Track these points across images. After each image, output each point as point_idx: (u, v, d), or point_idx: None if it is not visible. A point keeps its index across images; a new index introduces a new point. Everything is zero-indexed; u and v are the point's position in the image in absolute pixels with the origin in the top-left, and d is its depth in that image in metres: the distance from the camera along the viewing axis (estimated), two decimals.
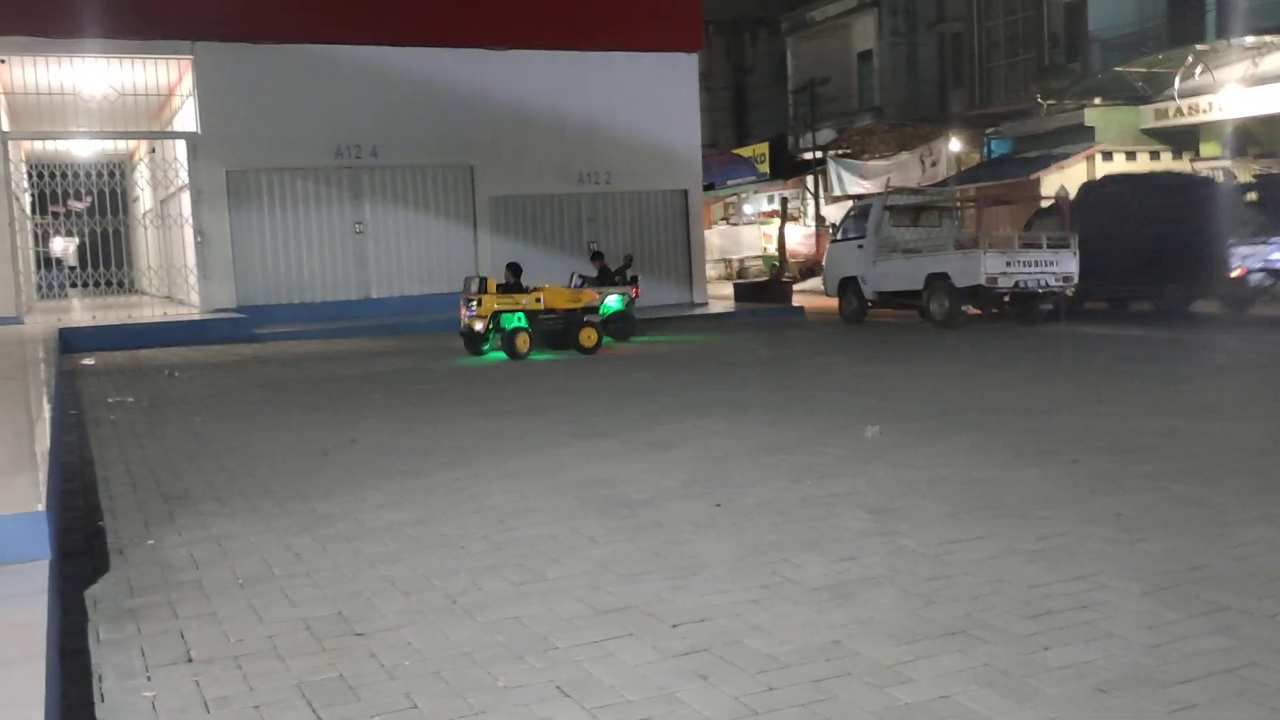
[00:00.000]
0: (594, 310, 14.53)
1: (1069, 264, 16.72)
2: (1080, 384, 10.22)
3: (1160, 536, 4.93)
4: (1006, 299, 16.85)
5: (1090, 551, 4.73)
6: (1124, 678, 3.43)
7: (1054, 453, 6.86)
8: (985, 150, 31.32)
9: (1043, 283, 16.54)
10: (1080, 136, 27.67)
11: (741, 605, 4.17)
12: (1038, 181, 27.06)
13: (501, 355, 13.70)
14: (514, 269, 14.50)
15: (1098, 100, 27.97)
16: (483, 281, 13.80)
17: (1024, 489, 5.93)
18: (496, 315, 13.65)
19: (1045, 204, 21.20)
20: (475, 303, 13.53)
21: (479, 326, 13.50)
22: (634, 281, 15.92)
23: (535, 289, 14.20)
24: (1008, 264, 16.35)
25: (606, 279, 15.73)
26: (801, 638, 3.83)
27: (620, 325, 15.42)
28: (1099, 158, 27.96)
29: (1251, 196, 17.63)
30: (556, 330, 14.22)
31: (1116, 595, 4.16)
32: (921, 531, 5.11)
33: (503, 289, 14.03)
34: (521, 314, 13.77)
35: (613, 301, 14.99)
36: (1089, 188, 19.90)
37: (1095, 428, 7.73)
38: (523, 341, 13.55)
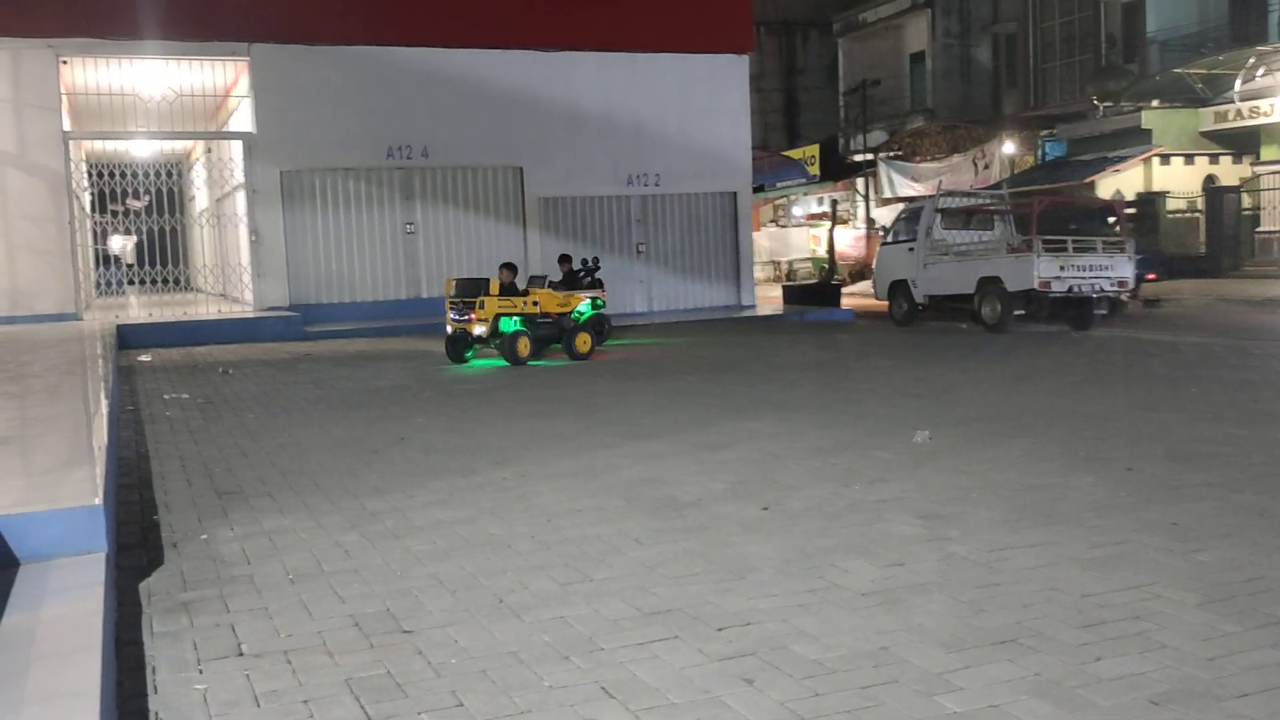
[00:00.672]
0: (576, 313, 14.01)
1: (1124, 268, 16.48)
2: (1136, 390, 10.06)
3: (1217, 546, 4.83)
4: (1060, 304, 16.61)
5: (1145, 561, 4.65)
6: (1178, 690, 3.37)
7: (1108, 460, 6.76)
8: (1039, 153, 30.98)
9: (1097, 287, 16.30)
10: (1137, 139, 27.28)
11: (788, 609, 4.14)
12: (1093, 185, 26.71)
13: (486, 362, 13.15)
14: (511, 269, 13.94)
15: (1156, 102, 27.56)
16: (485, 283, 13.33)
17: (1077, 496, 5.84)
18: (494, 319, 13.11)
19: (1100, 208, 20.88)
20: (478, 305, 12.93)
21: (480, 330, 12.94)
22: (600, 285, 14.95)
23: (527, 291, 13.68)
24: (1061, 268, 16.14)
25: (572, 282, 14.82)
26: (849, 643, 3.80)
27: (594, 330, 14.56)
28: (1156, 161, 27.54)
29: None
30: (546, 335, 13.65)
31: (1171, 606, 4.09)
32: (972, 538, 5.05)
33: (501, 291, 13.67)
34: (520, 317, 13.22)
35: (583, 306, 14.15)
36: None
37: (1151, 434, 7.61)
38: (524, 346, 12.96)
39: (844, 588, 4.39)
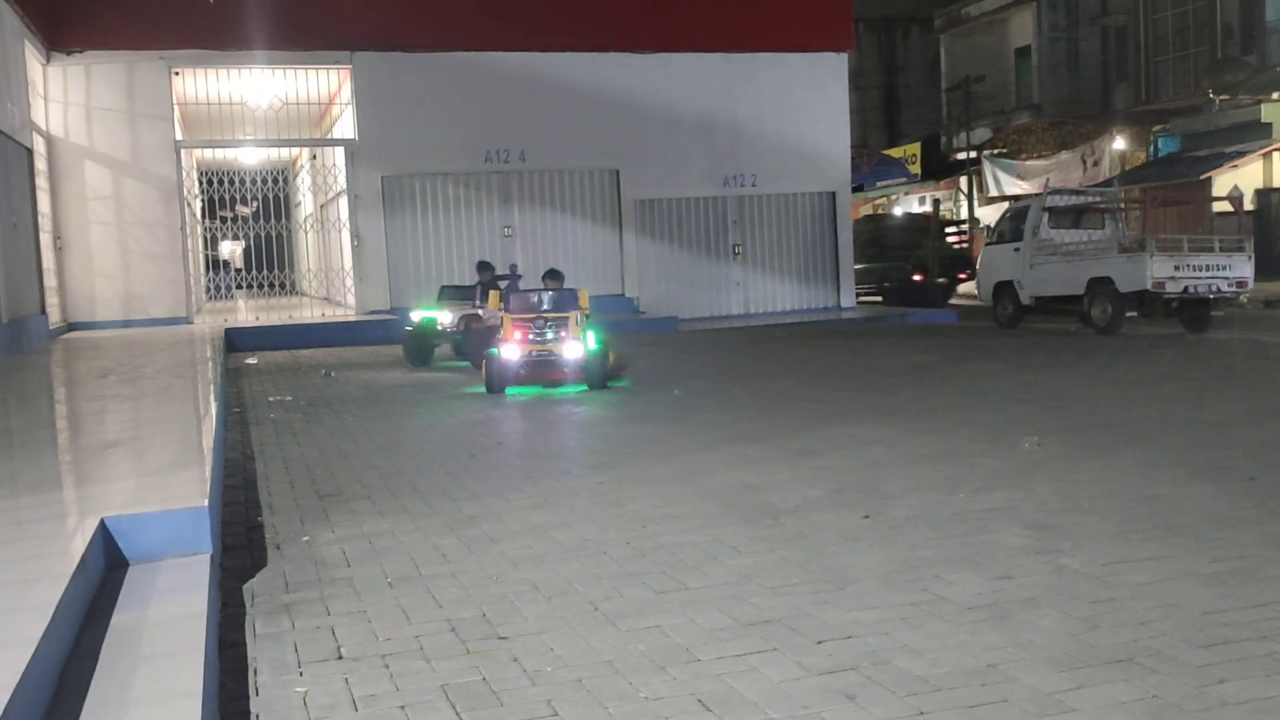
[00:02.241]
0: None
1: (1243, 268, 15.83)
2: (1257, 395, 9.62)
3: None
4: (1175, 305, 16.04)
5: (1270, 577, 4.41)
6: None
7: (1229, 469, 6.45)
8: (1152, 149, 30.01)
9: (1214, 288, 15.69)
10: (1256, 133, 26.22)
11: (890, 623, 4.01)
12: (1209, 181, 25.76)
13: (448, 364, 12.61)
14: (486, 268, 13.36)
15: (1276, 95, 26.47)
16: (472, 290, 13.16)
17: (1196, 507, 5.58)
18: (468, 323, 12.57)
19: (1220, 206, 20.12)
20: (572, 322, 10.97)
21: (573, 357, 10.89)
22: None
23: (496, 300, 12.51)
24: (1176, 268, 15.57)
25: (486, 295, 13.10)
26: (955, 660, 3.66)
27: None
28: (1277, 156, 26.46)
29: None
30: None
31: None
32: (1084, 550, 4.84)
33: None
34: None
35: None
36: (859, 223, 25.68)
37: (1275, 442, 7.25)
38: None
39: (949, 601, 4.24)
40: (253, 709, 3.50)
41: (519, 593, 4.52)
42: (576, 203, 20.43)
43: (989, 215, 30.40)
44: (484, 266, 14.20)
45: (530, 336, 10.76)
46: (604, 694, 3.48)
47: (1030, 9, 34.94)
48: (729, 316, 20.79)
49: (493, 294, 11.74)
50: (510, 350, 10.67)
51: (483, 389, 10.89)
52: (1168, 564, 4.62)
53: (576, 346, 10.70)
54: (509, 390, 10.75)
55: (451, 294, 14.22)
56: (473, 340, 12.42)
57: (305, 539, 5.50)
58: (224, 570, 4.92)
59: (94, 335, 16.51)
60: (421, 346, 13.24)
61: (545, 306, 11.12)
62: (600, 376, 10.73)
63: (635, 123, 20.35)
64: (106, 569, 4.33)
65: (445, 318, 13.28)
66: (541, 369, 10.95)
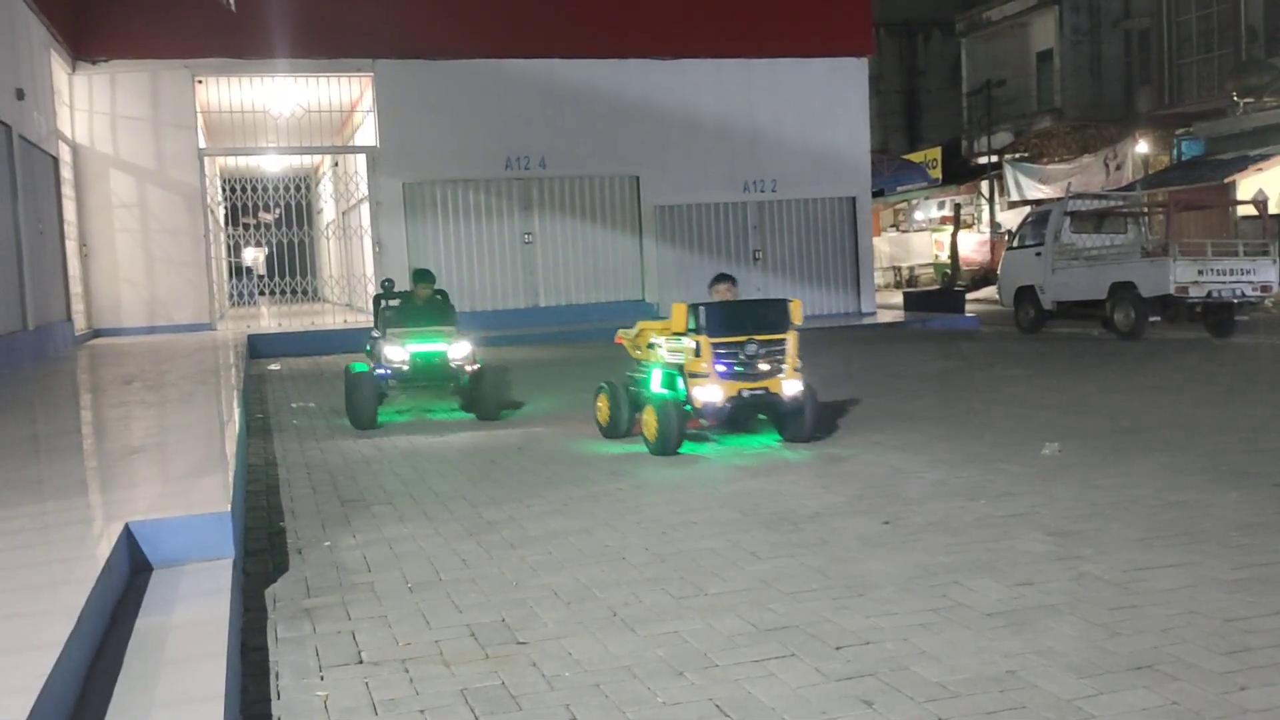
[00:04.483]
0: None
1: (1268, 271, 15.71)
2: None
3: None
4: (1199, 309, 15.92)
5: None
6: None
7: (1255, 475, 6.40)
8: (1175, 152, 29.81)
9: (1238, 292, 15.57)
10: None
11: (909, 629, 4.00)
12: (1233, 185, 25.57)
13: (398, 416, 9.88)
14: (425, 277, 10.25)
15: None
16: (445, 304, 10.24)
17: (1221, 514, 5.53)
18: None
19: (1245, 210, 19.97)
20: (789, 350, 7.86)
21: (794, 392, 7.73)
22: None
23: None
24: (1200, 272, 15.47)
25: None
26: (974, 666, 3.65)
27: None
28: None
29: None
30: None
31: None
32: (1106, 557, 4.82)
33: (405, 306, 10.08)
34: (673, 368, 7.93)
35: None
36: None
37: None
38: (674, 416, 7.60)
39: (969, 607, 4.23)
40: (274, 712, 3.53)
41: (538, 598, 4.53)
42: (597, 209, 20.47)
43: (1011, 220, 30.25)
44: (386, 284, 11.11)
45: (739, 369, 7.61)
46: (622, 699, 3.49)
47: (1052, 12, 34.79)
48: None
49: (677, 310, 7.85)
50: (709, 391, 7.54)
51: (620, 446, 8.02)
52: (1191, 570, 4.59)
53: (795, 382, 7.72)
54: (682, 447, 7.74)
55: (411, 311, 10.04)
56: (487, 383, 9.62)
57: (327, 544, 5.54)
58: (246, 575, 4.96)
59: (119, 342, 16.65)
60: (368, 393, 9.19)
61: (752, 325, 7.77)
62: (814, 421, 7.90)
63: (655, 129, 20.38)
64: (131, 573, 4.37)
65: (461, 349, 9.56)
66: (750, 412, 8.03)
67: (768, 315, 7.90)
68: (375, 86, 19.19)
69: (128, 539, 4.41)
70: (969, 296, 25.11)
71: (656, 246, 20.66)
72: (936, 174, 36.64)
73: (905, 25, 41.74)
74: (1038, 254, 17.93)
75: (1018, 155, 33.39)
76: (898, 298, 25.92)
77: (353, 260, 22.75)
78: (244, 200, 19.61)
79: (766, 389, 7.69)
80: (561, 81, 19.75)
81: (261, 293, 24.73)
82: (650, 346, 8.28)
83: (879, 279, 28.76)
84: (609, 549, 5.25)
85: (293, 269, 20.03)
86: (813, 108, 21.36)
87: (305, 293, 23.26)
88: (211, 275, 19.01)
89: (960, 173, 36.25)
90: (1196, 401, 9.66)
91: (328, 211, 27.16)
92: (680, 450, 7.61)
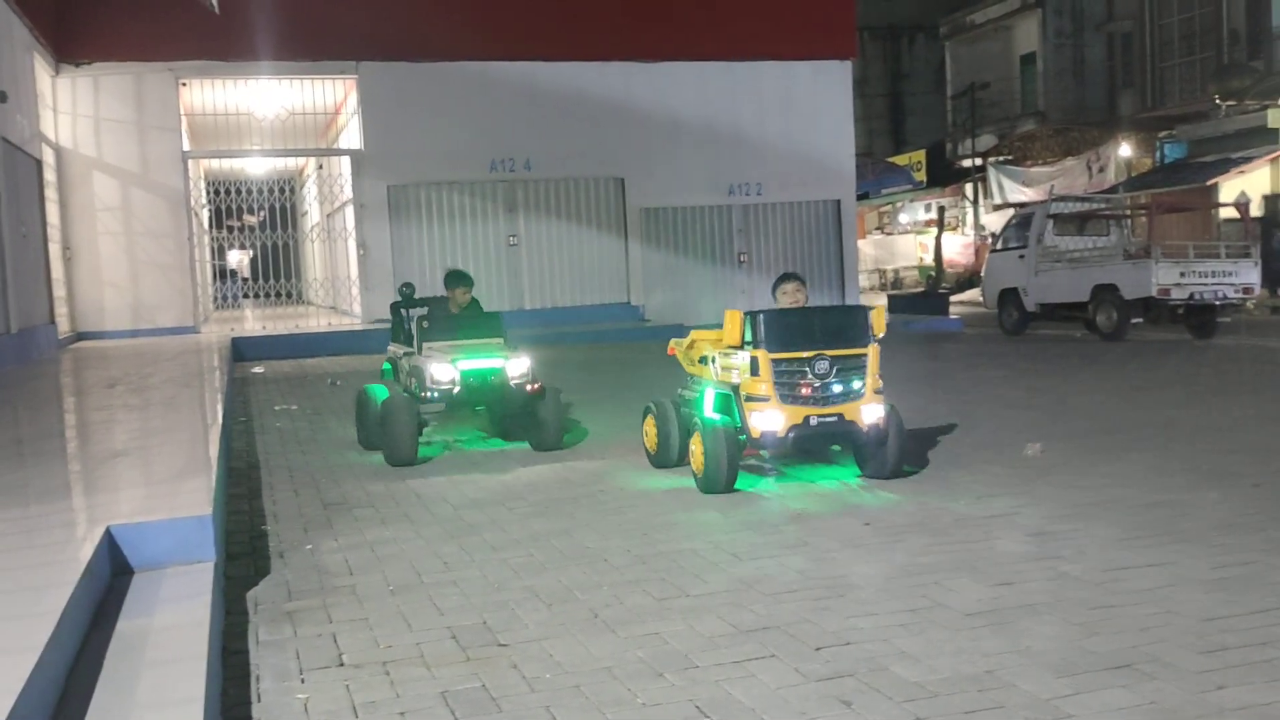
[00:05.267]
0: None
1: (1250, 274, 15.81)
2: (1264, 401, 9.61)
3: None
4: (1181, 311, 16.02)
5: (1273, 583, 4.41)
6: None
7: (1235, 475, 6.45)
8: (1158, 155, 29.99)
9: (1220, 294, 15.67)
10: (1263, 139, 26.21)
11: (889, 629, 4.03)
12: (1215, 187, 25.73)
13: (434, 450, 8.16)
14: (463, 280, 9.07)
15: None
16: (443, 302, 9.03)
17: (1201, 514, 5.58)
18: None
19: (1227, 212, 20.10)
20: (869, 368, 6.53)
21: (876, 417, 6.43)
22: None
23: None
24: (1182, 274, 15.56)
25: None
26: (952, 666, 3.67)
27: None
28: None
29: None
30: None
31: None
32: (1086, 557, 4.85)
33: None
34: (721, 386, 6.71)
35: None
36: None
37: None
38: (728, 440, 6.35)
39: (949, 607, 4.25)
40: (255, 715, 3.53)
41: (520, 600, 4.54)
42: (582, 211, 20.47)
43: (995, 222, 30.37)
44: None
45: (808, 390, 6.34)
46: (602, 700, 3.50)
47: (1035, 15, 34.97)
48: None
49: (730, 318, 6.46)
50: (769, 417, 6.25)
51: (668, 478, 6.82)
52: (1170, 570, 4.63)
53: (876, 406, 6.45)
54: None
55: (451, 321, 8.51)
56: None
57: (309, 547, 5.53)
58: (228, 578, 4.95)
59: (102, 345, 16.58)
60: (405, 422, 7.51)
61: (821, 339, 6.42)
62: (898, 454, 6.55)
63: (640, 131, 20.39)
64: (112, 576, 4.36)
65: (520, 364, 7.92)
66: (822, 442, 6.83)
67: (842, 325, 6.53)
68: (360, 89, 19.16)
69: (109, 542, 4.40)
70: (953, 299, 25.19)
71: (642, 249, 20.67)
72: (921, 177, 36.77)
73: (889, 28, 41.89)
74: (1021, 256, 18.02)
75: (1001, 158, 33.54)
76: (882, 300, 26.01)
77: (337, 263, 22.70)
78: (228, 203, 19.56)
79: (840, 415, 6.33)
80: (546, 84, 19.76)
81: (246, 296, 24.66)
82: (702, 361, 7.00)
83: (864, 281, 28.82)
84: (591, 551, 5.26)
85: (277, 272, 19.97)
86: (797, 111, 21.41)
87: (290, 296, 23.18)
88: (195, 278, 18.94)
89: (944, 175, 36.40)
90: (1177, 402, 9.73)
91: (312, 214, 27.09)
92: (735, 486, 6.37)
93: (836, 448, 6.93)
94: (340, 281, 21.70)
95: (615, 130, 20.18)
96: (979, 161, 34.01)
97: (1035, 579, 4.57)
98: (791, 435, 6.29)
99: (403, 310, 8.85)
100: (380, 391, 8.08)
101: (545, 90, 19.75)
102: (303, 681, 3.77)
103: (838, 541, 5.27)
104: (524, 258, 20.10)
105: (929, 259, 33.29)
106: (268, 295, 20.68)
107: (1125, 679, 3.52)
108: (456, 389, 7.77)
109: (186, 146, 19.03)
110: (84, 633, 3.72)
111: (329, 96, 20.53)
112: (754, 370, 6.31)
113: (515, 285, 20.15)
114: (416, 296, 9.30)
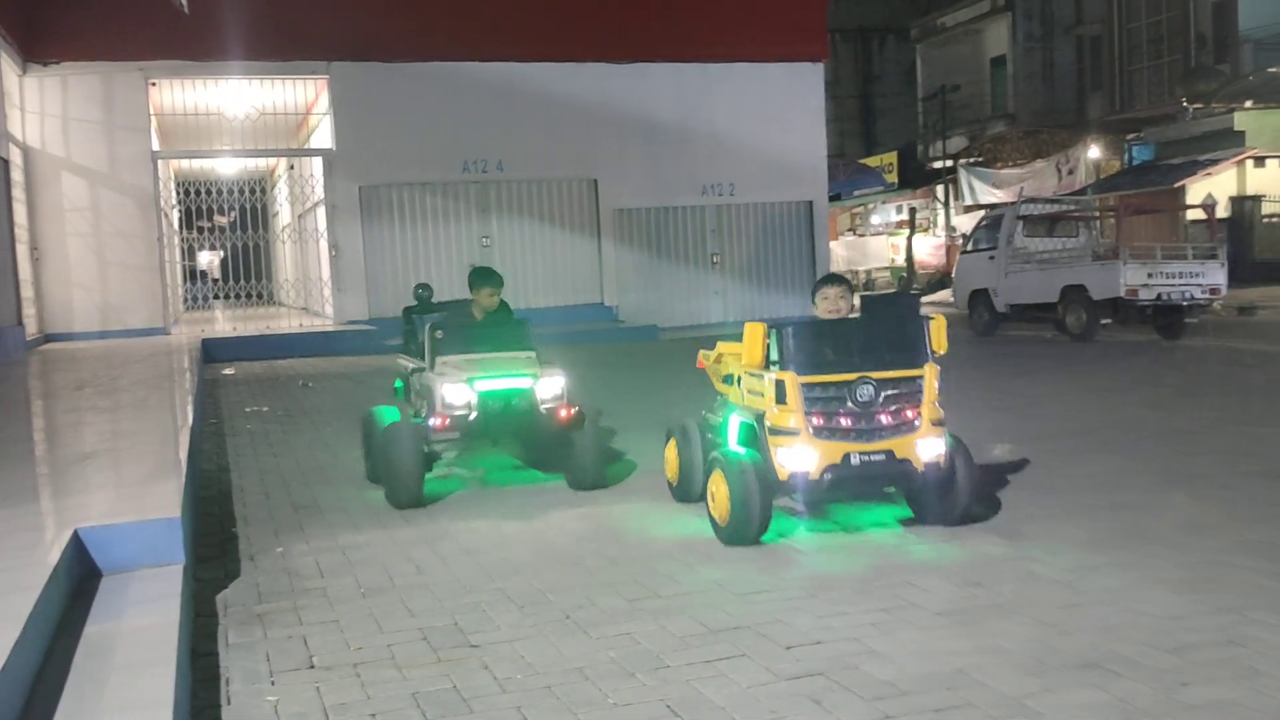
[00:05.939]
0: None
1: (1216, 275, 15.98)
2: (1231, 402, 9.72)
3: None
4: (1149, 312, 16.17)
5: (1238, 583, 4.46)
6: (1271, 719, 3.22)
7: (1202, 477, 6.52)
8: (1126, 157, 30.28)
9: (1187, 295, 15.83)
10: (1230, 141, 26.51)
11: (860, 629, 4.05)
12: (1183, 189, 26.00)
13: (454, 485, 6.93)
14: (490, 279, 7.36)
15: (1249, 103, 26.76)
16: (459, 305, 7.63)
17: (1168, 515, 5.63)
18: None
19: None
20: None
21: (934, 454, 5.28)
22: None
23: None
24: (1149, 275, 15.71)
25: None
26: (922, 665, 3.69)
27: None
28: (1250, 163, 26.74)
29: None
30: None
31: (1266, 630, 3.91)
32: (1055, 557, 4.89)
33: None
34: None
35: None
36: None
37: (1248, 450, 7.32)
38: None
39: (919, 607, 4.28)
40: (225, 718, 3.52)
41: (492, 602, 4.53)
42: (555, 212, 20.46)
43: (965, 224, 30.58)
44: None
45: (849, 422, 5.17)
46: (573, 700, 3.50)
47: (1005, 19, 35.24)
48: (709, 325, 20.81)
49: (751, 332, 5.39)
50: (798, 455, 5.11)
51: (690, 520, 5.74)
52: (1137, 570, 4.67)
53: (935, 440, 5.27)
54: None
55: (472, 331, 7.00)
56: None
57: (279, 550, 5.50)
58: (198, 581, 4.92)
59: (71, 347, 16.42)
60: (408, 454, 6.29)
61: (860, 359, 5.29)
62: (969, 495, 5.44)
63: (613, 132, 20.41)
64: (80, 580, 4.33)
65: (552, 384, 6.65)
66: (866, 486, 5.51)
67: (892, 340, 5.37)
68: (331, 89, 19.07)
69: (76, 545, 4.37)
70: (925, 300, 25.33)
71: (615, 249, 20.68)
72: (893, 178, 36.97)
73: (860, 31, 42.08)
74: (991, 257, 18.14)
75: (972, 160, 33.77)
76: (855, 300, 26.11)
77: (309, 264, 22.58)
78: (199, 203, 19.42)
79: (889, 453, 5.17)
80: (519, 85, 19.73)
81: (216, 296, 24.49)
82: (727, 381, 5.93)
83: None
84: (564, 553, 5.26)
85: (248, 273, 19.85)
86: (770, 112, 21.48)
87: (261, 296, 23.05)
88: (165, 279, 18.79)
89: (916, 177, 36.61)
90: (1146, 403, 9.82)
91: (284, 215, 26.93)
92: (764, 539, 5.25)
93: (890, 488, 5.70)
94: (312, 282, 21.58)
95: (588, 131, 20.18)
96: (950, 163, 34.22)
97: (1005, 579, 4.60)
98: (828, 477, 5.10)
99: (415, 317, 7.31)
100: (390, 414, 6.89)
101: (518, 91, 19.72)
102: (273, 684, 3.76)
103: (809, 543, 5.29)
104: (497, 259, 20.03)
105: (900, 260, 33.47)
106: (239, 296, 20.57)
107: (1093, 678, 3.55)
108: (472, 415, 6.40)
109: (156, 147, 18.86)
110: (51, 636, 3.69)
111: (300, 96, 20.42)
112: (780, 397, 5.13)
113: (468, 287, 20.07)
114: (438, 301, 7.92)
